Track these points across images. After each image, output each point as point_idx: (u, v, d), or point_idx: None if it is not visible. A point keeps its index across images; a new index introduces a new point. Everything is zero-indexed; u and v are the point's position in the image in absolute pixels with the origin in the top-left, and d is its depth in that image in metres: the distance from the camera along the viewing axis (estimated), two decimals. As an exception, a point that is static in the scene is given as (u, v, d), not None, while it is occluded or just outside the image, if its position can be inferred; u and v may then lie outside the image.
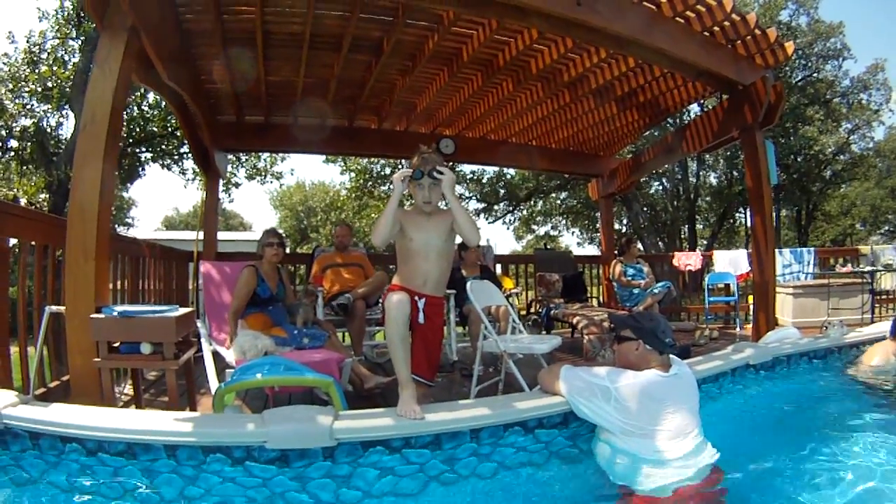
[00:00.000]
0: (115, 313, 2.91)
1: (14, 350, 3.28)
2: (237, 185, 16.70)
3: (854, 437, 2.80)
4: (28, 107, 13.01)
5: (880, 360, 3.84)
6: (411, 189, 2.80)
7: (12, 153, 13.20)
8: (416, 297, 2.75)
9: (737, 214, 24.35)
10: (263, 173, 16.83)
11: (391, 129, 7.13)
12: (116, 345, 2.96)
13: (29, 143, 12.76)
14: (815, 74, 19.01)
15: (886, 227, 30.12)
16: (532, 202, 22.75)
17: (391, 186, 18.77)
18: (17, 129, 12.92)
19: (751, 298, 6.90)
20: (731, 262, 8.10)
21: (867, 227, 30.88)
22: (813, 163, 19.23)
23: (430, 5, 4.09)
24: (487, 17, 4.44)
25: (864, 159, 21.91)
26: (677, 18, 4.34)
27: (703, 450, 2.31)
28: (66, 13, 12.48)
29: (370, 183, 18.66)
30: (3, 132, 12.95)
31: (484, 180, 20.97)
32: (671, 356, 2.55)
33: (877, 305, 7.57)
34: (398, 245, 2.87)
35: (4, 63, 13.14)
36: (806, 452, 2.68)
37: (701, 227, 25.51)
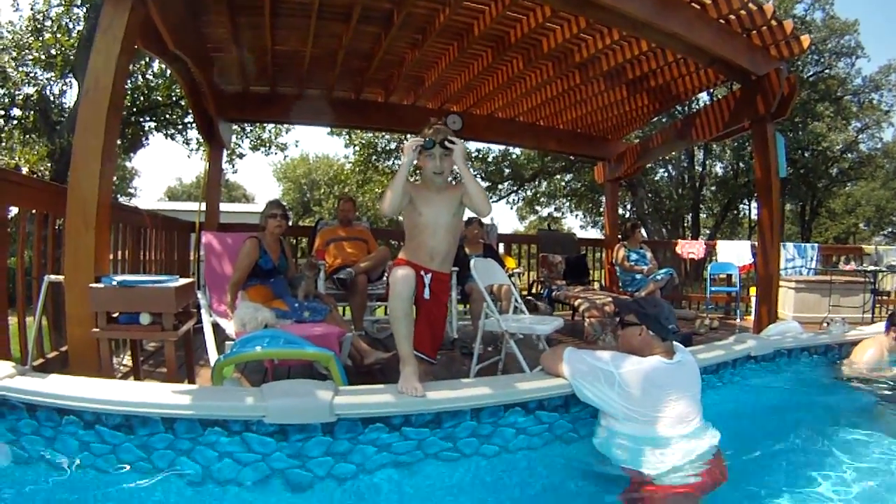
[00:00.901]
0: (115, 283, 2.88)
1: (12, 320, 3.26)
2: (241, 155, 16.61)
3: (846, 432, 2.83)
4: (31, 75, 12.86)
5: (873, 355, 3.81)
6: (421, 160, 2.74)
7: (15, 121, 13.08)
8: (423, 273, 2.72)
9: (741, 206, 24.30)
10: (268, 144, 16.70)
11: (398, 102, 7.04)
12: (115, 315, 2.93)
13: (32, 112, 12.65)
14: (827, 71, 18.88)
15: (890, 229, 30.07)
16: (537, 183, 22.70)
17: (395, 161, 18.78)
18: (21, 97, 12.80)
19: (752, 290, 6.88)
20: (735, 253, 8.07)
21: (871, 227, 30.84)
22: (820, 159, 19.14)
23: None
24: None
25: (872, 159, 21.81)
26: (693, 4, 4.26)
27: (704, 435, 2.30)
28: (70, -21, 12.30)
29: (374, 157, 18.57)
30: (6, 100, 12.82)
31: (489, 159, 20.88)
32: (675, 343, 2.53)
33: (878, 305, 7.55)
34: (406, 219, 2.84)
35: (8, 31, 12.99)
36: (800, 445, 2.71)
37: (704, 216, 25.47)
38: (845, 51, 18.91)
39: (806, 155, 18.82)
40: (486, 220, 6.04)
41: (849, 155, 20.82)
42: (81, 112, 3.12)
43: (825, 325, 5.58)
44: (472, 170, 20.18)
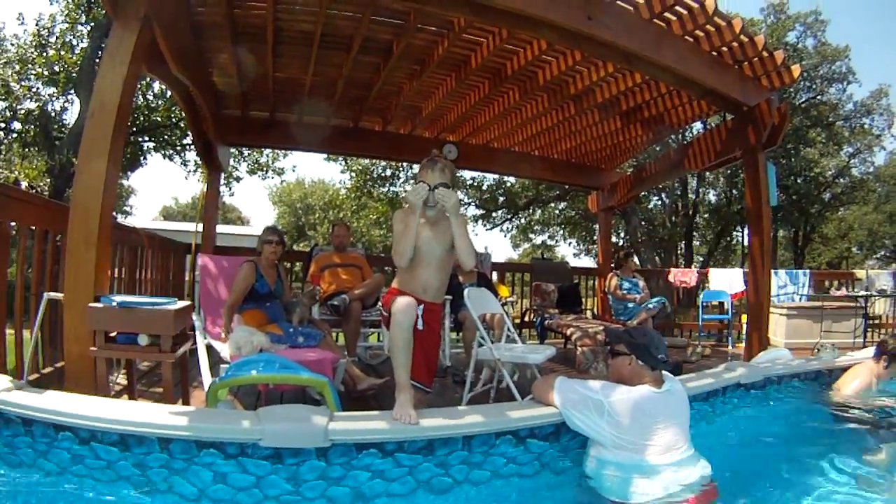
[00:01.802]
0: (115, 303, 2.91)
1: (9, 333, 3.27)
2: (238, 179, 16.71)
3: (833, 462, 2.82)
4: (34, 90, 12.97)
5: (861, 383, 3.81)
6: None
7: (15, 135, 13.14)
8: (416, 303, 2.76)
9: (734, 233, 24.42)
10: (265, 168, 16.81)
11: (395, 131, 7.14)
12: (113, 335, 2.96)
13: (33, 127, 12.72)
14: (819, 97, 19.10)
15: (883, 252, 30.21)
16: (531, 211, 22.77)
17: (391, 188, 18.87)
18: (22, 111, 12.87)
19: (744, 317, 6.93)
20: (727, 281, 8.14)
21: (863, 251, 30.93)
22: (812, 185, 19.29)
23: (442, 12, 4.10)
24: (498, 26, 4.46)
25: (864, 183, 21.95)
26: (686, 37, 4.37)
27: (693, 464, 2.33)
28: (76, -3, 12.47)
29: (370, 183, 18.67)
30: (8, 113, 12.90)
31: (484, 187, 21.01)
32: (664, 372, 2.57)
33: (869, 330, 7.60)
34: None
35: (13, 44, 13.11)
36: (789, 475, 2.75)
37: (698, 243, 25.56)
38: (837, 76, 19.14)
39: (798, 181, 18.97)
40: (479, 249, 6.10)
41: (841, 180, 20.94)
42: (87, 133, 3.17)
43: (816, 351, 5.62)
44: (467, 198, 20.41)
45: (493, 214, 21.92)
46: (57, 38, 12.76)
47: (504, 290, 6.60)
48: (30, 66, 12.59)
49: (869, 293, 7.42)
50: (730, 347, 7.69)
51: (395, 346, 2.53)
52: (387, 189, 18.78)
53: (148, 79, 12.23)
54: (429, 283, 2.79)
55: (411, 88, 5.68)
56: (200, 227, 6.54)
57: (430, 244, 2.75)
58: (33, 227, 3.48)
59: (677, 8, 4.06)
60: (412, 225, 2.65)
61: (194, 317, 3.93)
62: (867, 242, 29.87)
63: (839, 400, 3.80)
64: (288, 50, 5.07)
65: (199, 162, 12.15)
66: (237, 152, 15.31)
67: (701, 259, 24.15)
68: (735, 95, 4.80)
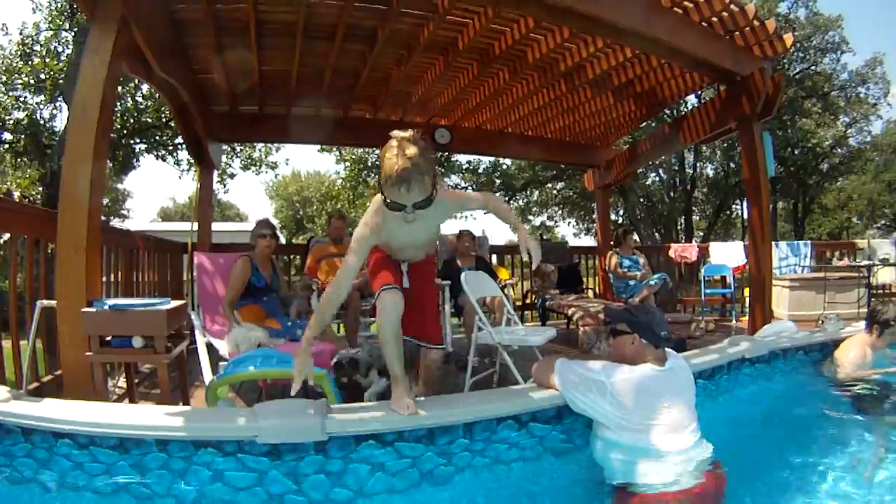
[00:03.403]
0: (106, 307, 2.88)
1: (6, 344, 3.25)
2: (232, 175, 16.59)
3: (837, 434, 2.86)
4: (21, 99, 12.89)
5: (857, 354, 3.73)
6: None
7: (6, 146, 13.09)
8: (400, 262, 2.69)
9: (733, 206, 24.40)
10: (258, 163, 16.71)
11: (387, 118, 7.07)
12: (108, 339, 2.93)
13: (23, 136, 12.66)
14: (813, 67, 19.01)
15: (883, 222, 30.19)
16: (528, 192, 22.76)
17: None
18: (11, 121, 12.81)
19: (747, 291, 6.90)
20: (728, 255, 8.10)
21: (864, 220, 30.97)
22: (810, 156, 19.27)
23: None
24: (483, 5, 4.42)
25: (862, 153, 21.95)
26: (675, 8, 4.32)
27: (700, 443, 2.29)
28: (59, 4, 12.33)
29: (365, 172, 18.61)
30: (-2, 124, 12.84)
31: (480, 170, 20.94)
32: (667, 350, 2.53)
33: (873, 300, 7.56)
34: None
35: (-2, 55, 13.02)
36: (796, 449, 2.71)
37: (697, 218, 25.54)
38: (830, 46, 19.04)
39: (795, 152, 18.94)
40: (477, 233, 6.06)
41: (838, 150, 20.93)
42: (70, 137, 3.14)
43: (820, 322, 5.58)
44: (463, 182, 20.29)
45: (491, 197, 21.84)
46: (42, 45, 12.66)
47: (504, 273, 6.56)
48: (16, 75, 12.51)
49: (871, 262, 7.38)
50: (733, 321, 7.66)
51: (383, 339, 2.46)
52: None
53: (136, 80, 12.15)
54: (410, 257, 2.73)
55: (400, 74, 5.61)
56: (196, 226, 6.50)
57: (414, 236, 2.57)
58: (24, 237, 3.45)
59: (666, -22, 4.01)
60: (364, 252, 2.47)
61: (193, 315, 3.92)
62: (867, 212, 29.88)
63: (836, 373, 3.76)
64: (272, 42, 5.01)
65: (192, 161, 12.11)
66: (229, 149, 15.21)
67: (701, 234, 24.15)
68: (727, 65, 4.75)
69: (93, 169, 3.05)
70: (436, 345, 2.74)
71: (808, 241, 8.64)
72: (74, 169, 3.06)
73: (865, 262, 7.39)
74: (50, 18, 12.47)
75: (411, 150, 2.14)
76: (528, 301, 7.79)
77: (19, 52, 12.64)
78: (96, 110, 3.08)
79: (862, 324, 4.17)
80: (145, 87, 13.20)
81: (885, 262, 7.56)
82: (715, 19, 4.50)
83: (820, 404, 3.40)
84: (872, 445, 2.77)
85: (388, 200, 2.21)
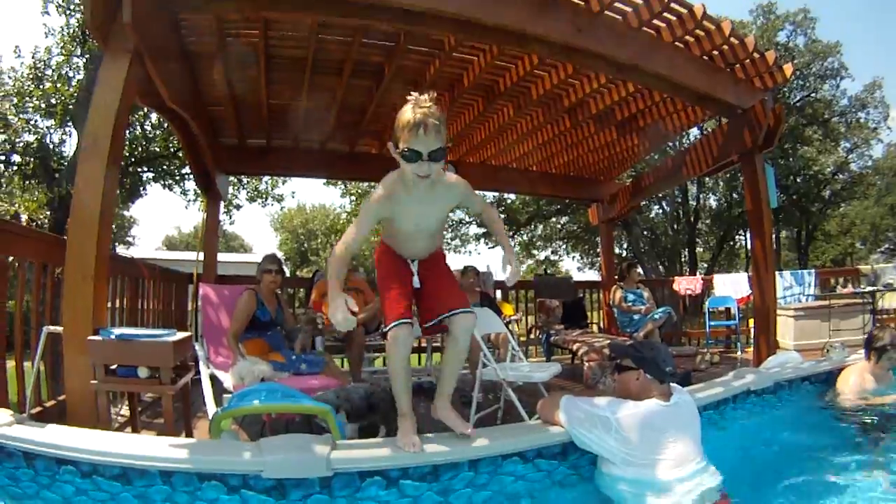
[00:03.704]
0: (113, 336, 2.89)
1: (9, 365, 3.26)
2: (238, 207, 16.72)
3: (844, 464, 2.82)
4: (32, 122, 13.06)
5: (856, 382, 3.75)
6: (394, 155, 2.32)
7: (15, 168, 13.22)
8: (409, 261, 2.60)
9: (737, 237, 24.39)
10: (264, 196, 16.85)
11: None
12: (114, 367, 2.94)
13: (32, 159, 12.79)
14: (813, 94, 19.20)
15: (886, 245, 30.14)
16: (532, 226, 22.81)
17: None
18: (21, 144, 12.95)
19: (752, 321, 6.87)
20: (732, 286, 8.09)
21: (867, 245, 30.90)
22: (812, 183, 19.33)
23: (429, 31, 4.11)
24: (488, 43, 4.48)
25: (864, 178, 21.93)
26: (677, 43, 4.38)
27: (706, 476, 2.28)
28: (71, 30, 12.59)
29: (370, 206, 18.72)
30: (7, 146, 12.98)
31: (484, 206, 21.00)
32: (672, 384, 2.53)
33: (878, 325, 7.51)
34: (382, 223, 2.59)
35: (10, 77, 13.25)
36: (801, 478, 2.70)
37: (701, 249, 25.55)
38: (830, 73, 19.29)
39: (798, 180, 19.02)
40: (481, 269, 6.07)
41: (840, 176, 20.96)
42: (81, 166, 3.17)
43: (825, 351, 5.55)
44: (467, 216, 20.22)
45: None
46: (53, 70, 12.87)
47: (508, 309, 6.56)
48: (27, 98, 12.69)
49: (875, 288, 7.35)
50: (739, 353, 7.62)
51: (393, 373, 2.44)
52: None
53: (145, 109, 12.33)
54: (418, 252, 2.61)
55: (406, 110, 5.65)
56: (202, 256, 6.54)
57: (419, 220, 2.49)
58: (32, 261, 3.48)
59: (666, 14, 4.09)
60: (368, 224, 2.45)
61: (196, 346, 3.92)
62: (870, 237, 29.85)
63: (838, 402, 3.74)
64: (281, 77, 5.10)
65: (199, 191, 12.18)
66: (236, 180, 15.36)
67: (705, 265, 24.13)
68: (729, 99, 4.80)
69: (103, 198, 3.09)
70: (463, 308, 2.49)
71: (812, 270, 8.64)
72: (85, 197, 3.10)
73: (869, 288, 7.36)
74: (62, 43, 12.69)
75: (426, 101, 2.23)
76: (532, 336, 7.76)
77: (31, 76, 12.84)
78: (108, 140, 3.13)
79: None
80: (154, 116, 13.36)
81: (888, 288, 7.52)
82: (716, 53, 4.56)
83: (825, 434, 3.39)
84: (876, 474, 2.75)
85: (404, 149, 2.23)
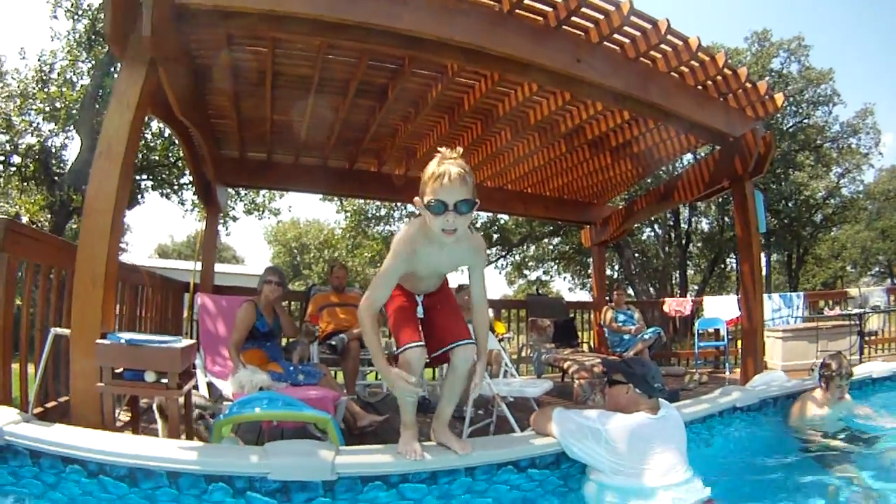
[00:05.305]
0: (123, 341, 2.96)
1: (14, 367, 3.31)
2: (235, 219, 16.72)
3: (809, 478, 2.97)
4: (34, 125, 13.04)
5: (797, 407, 3.92)
6: (421, 211, 2.31)
7: (14, 169, 13.19)
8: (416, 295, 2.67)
9: (728, 260, 24.53)
10: (261, 209, 16.89)
11: (391, 172, 7.20)
12: (120, 371, 3.01)
13: (32, 162, 12.76)
14: (805, 120, 19.34)
15: (877, 269, 30.39)
16: (525, 247, 22.83)
17: (386, 227, 18.89)
18: (23, 146, 12.93)
19: (740, 343, 6.99)
20: (722, 308, 8.21)
21: (858, 269, 31.12)
22: (804, 207, 19.40)
23: (436, 58, 4.22)
24: (490, 70, 4.59)
25: (855, 202, 21.95)
26: (672, 73, 4.49)
27: (692, 485, 2.38)
28: (77, 35, 12.65)
29: (364, 223, 18.81)
30: (8, 147, 12.95)
31: (477, 225, 21.13)
32: (660, 400, 2.65)
33: (865, 346, 7.66)
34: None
35: (14, 78, 13.27)
36: (781, 492, 2.85)
37: (692, 272, 25.65)
38: (822, 99, 19.37)
39: (789, 205, 19.09)
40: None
41: (831, 200, 21.00)
42: (94, 175, 3.20)
43: (811, 371, 5.66)
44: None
45: (488, 252, 21.79)
46: (58, 74, 12.88)
47: (500, 327, 6.67)
48: (31, 100, 12.66)
49: (862, 310, 7.50)
50: (727, 373, 7.70)
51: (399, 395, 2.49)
52: (382, 228, 18.94)
53: (146, 118, 12.30)
54: (426, 290, 2.70)
55: (406, 130, 5.77)
56: (199, 266, 6.60)
57: (441, 266, 2.59)
58: (38, 264, 3.55)
59: (662, 46, 4.20)
60: (392, 284, 2.47)
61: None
62: (861, 260, 30.09)
63: (795, 427, 3.87)
64: (286, 93, 5.18)
65: (196, 201, 12.15)
66: (234, 192, 15.39)
67: (696, 287, 24.22)
68: (720, 127, 4.90)
69: (115, 206, 3.15)
70: (466, 340, 2.55)
71: (801, 293, 8.78)
72: (97, 205, 3.15)
73: (857, 311, 7.50)
74: (68, 48, 12.72)
75: (452, 154, 2.32)
76: (523, 354, 7.85)
77: (36, 79, 12.84)
78: (122, 149, 3.18)
79: (854, 369, 4.29)
80: (155, 125, 13.36)
81: (875, 310, 7.65)
82: (709, 83, 4.67)
83: (795, 450, 3.54)
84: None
85: (430, 200, 2.22)
